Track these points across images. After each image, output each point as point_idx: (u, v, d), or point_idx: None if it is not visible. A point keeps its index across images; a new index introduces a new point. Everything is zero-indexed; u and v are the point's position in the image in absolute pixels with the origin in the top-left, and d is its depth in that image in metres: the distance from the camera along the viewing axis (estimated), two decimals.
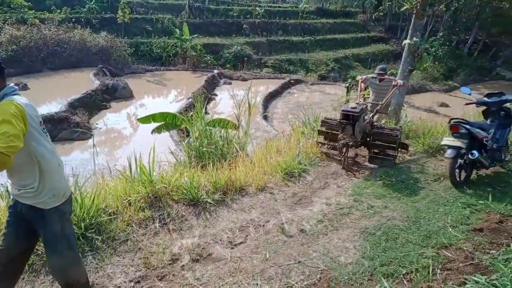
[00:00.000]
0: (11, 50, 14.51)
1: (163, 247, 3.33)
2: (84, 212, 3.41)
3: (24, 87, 12.59)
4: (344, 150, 5.26)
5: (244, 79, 18.47)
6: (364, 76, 6.81)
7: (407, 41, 7.28)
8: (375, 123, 5.93)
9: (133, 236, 3.45)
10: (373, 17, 29.15)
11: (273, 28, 26.65)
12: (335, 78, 20.91)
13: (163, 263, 3.14)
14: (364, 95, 6.97)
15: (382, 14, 26.49)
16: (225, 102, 14.56)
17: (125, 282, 2.92)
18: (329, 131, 5.89)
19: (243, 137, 6.63)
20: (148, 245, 3.37)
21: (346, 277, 3.01)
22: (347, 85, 14.52)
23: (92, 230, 3.38)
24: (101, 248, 3.27)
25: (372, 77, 6.79)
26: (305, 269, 3.12)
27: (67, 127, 9.79)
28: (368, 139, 5.75)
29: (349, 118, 5.05)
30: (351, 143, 5.15)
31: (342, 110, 5.11)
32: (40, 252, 3.08)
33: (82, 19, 19.41)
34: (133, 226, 3.55)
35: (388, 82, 6.53)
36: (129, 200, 3.78)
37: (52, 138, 9.23)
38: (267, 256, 3.27)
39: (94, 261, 3.14)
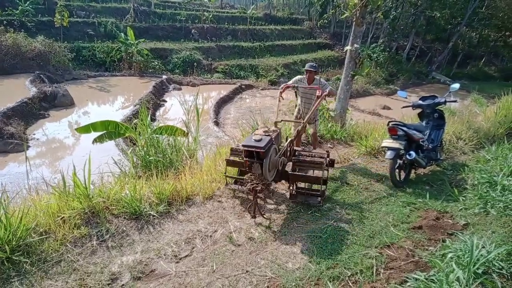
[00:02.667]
0: None
1: (101, 266, 3.10)
2: (10, 233, 3.09)
3: None
4: (252, 196, 3.86)
5: (194, 85, 18.20)
6: (289, 82, 5.87)
7: (348, 47, 7.56)
8: (298, 149, 4.89)
9: (68, 256, 3.17)
10: (319, 24, 30.21)
11: (222, 33, 26.61)
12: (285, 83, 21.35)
13: (101, 284, 2.91)
14: (296, 105, 6.07)
15: (326, 21, 27.55)
16: (175, 108, 14.19)
17: None
18: (240, 161, 4.54)
19: (192, 144, 6.47)
20: (85, 265, 3.12)
21: (293, 284, 3.00)
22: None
23: (20, 253, 3.07)
24: (30, 271, 2.98)
25: (300, 79, 5.80)
26: (253, 279, 3.07)
27: (0, 138, 8.97)
28: (287, 170, 4.47)
29: (253, 155, 3.70)
30: (260, 187, 3.78)
31: (243, 145, 3.72)
32: None
33: (15, 22, 18.01)
34: (67, 245, 3.27)
35: (317, 85, 5.53)
36: (63, 217, 3.49)
37: None
38: (214, 268, 3.17)
39: (21, 287, 2.83)
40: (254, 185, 3.74)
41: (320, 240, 3.67)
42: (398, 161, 5.11)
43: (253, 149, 3.62)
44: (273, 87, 20.02)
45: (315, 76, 5.73)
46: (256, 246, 3.56)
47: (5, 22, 17.22)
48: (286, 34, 30.09)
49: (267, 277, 3.08)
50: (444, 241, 3.54)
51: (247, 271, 3.16)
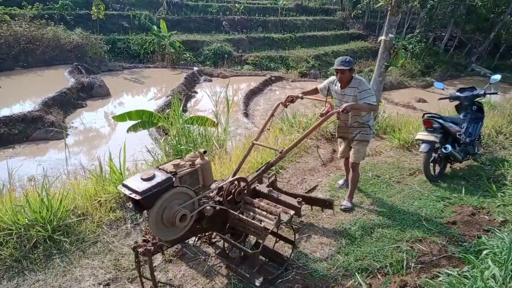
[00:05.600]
0: None
1: None
2: (51, 214, 3.28)
3: None
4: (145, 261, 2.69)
5: (225, 76, 18.31)
6: (321, 85, 4.24)
7: (382, 38, 7.34)
8: (263, 190, 3.20)
9: (103, 238, 3.34)
10: (352, 14, 29.41)
11: (252, 25, 26.53)
12: (316, 75, 21.01)
13: (134, 265, 3.04)
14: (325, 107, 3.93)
15: (360, 11, 26.78)
16: (206, 99, 14.36)
17: (94, 285, 2.82)
18: None
19: (222, 135, 6.57)
20: (119, 246, 3.27)
21: (321, 273, 3.00)
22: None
23: (60, 232, 3.26)
24: (69, 250, 3.16)
25: (332, 81, 4.09)
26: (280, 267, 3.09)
27: (41, 126, 9.46)
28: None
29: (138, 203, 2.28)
30: (151, 248, 2.54)
31: (123, 184, 2.33)
32: (2, 256, 2.95)
33: (55, 16, 18.78)
34: (103, 227, 3.44)
35: (354, 89, 3.81)
36: (100, 200, 3.66)
37: (26, 138, 8.99)
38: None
39: (62, 264, 3.02)
40: (141, 244, 2.57)
41: (349, 232, 3.64)
42: (433, 154, 4.94)
43: (129, 194, 2.23)
44: (303, 79, 19.81)
45: (352, 75, 3.86)
46: (284, 235, 3.57)
47: (46, 16, 18.01)
48: (317, 25, 29.54)
49: (294, 266, 3.10)
50: (479, 237, 3.41)
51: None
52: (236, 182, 2.95)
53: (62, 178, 4.66)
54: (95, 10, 18.59)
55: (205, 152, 2.71)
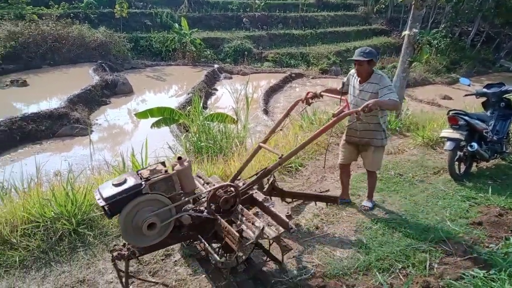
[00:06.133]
0: (10, 46, 14.41)
1: None
2: (75, 208, 3.38)
3: (24, 83, 12.55)
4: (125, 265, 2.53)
5: (245, 74, 18.34)
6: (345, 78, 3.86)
7: (406, 32, 7.16)
8: (258, 198, 2.98)
9: None
10: (374, 9, 28.83)
11: (273, 21, 26.41)
12: (337, 72, 20.73)
13: (156, 259, 3.10)
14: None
15: (383, 6, 26.19)
16: (226, 97, 14.45)
17: (116, 277, 2.88)
18: None
19: (241, 132, 6.59)
20: None
21: (340, 272, 2.97)
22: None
23: (84, 226, 3.35)
24: (93, 243, 3.25)
25: (351, 74, 3.77)
26: (299, 264, 3.08)
27: (67, 123, 9.76)
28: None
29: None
30: (127, 253, 2.46)
31: (98, 188, 2.33)
32: (30, 248, 3.06)
33: (80, 14, 19.26)
34: None
35: (374, 85, 3.50)
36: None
37: (52, 134, 9.30)
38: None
39: (86, 256, 3.11)
40: (117, 248, 2.54)
41: (370, 231, 3.58)
42: (458, 152, 4.79)
43: (97, 199, 2.24)
44: (324, 76, 19.60)
45: (373, 69, 3.55)
46: (303, 233, 3.56)
47: (71, 15, 18.50)
48: (339, 21, 29.08)
49: (313, 264, 3.08)
50: (507, 239, 3.30)
51: (293, 256, 3.18)
52: (221, 189, 2.72)
53: (87, 173, 4.80)
54: (119, 9, 18.96)
55: (179, 158, 2.57)
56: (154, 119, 6.77)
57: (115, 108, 12.32)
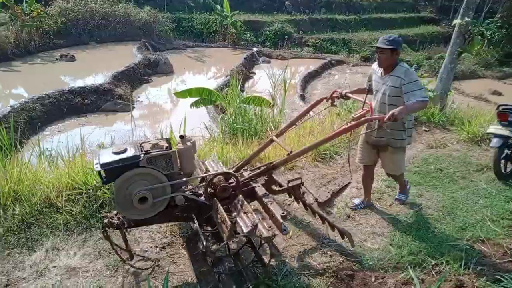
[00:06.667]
0: (61, 22, 15.12)
1: None
2: None
3: (72, 58, 13.16)
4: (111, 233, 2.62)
5: (284, 58, 18.13)
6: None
7: (457, 21, 6.74)
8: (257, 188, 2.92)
9: None
10: None
11: (316, 5, 25.69)
12: None
13: (189, 232, 3.21)
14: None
15: None
16: (263, 80, 14.40)
17: (151, 247, 3.03)
18: None
19: (277, 116, 6.58)
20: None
21: (370, 263, 2.94)
22: None
23: None
24: None
25: (374, 69, 3.39)
26: (329, 251, 3.08)
27: (110, 98, 10.15)
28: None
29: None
30: (116, 221, 2.49)
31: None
32: (74, 213, 3.26)
33: None
34: None
35: (397, 78, 3.07)
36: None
37: (97, 108, 9.73)
38: (291, 234, 3.25)
39: None
40: (109, 216, 2.54)
41: (404, 225, 3.50)
42: (505, 151, 4.51)
43: (95, 164, 2.30)
44: (366, 64, 18.95)
45: (396, 60, 3.14)
46: (334, 221, 3.53)
47: None
48: (385, 7, 27.77)
49: (343, 253, 3.06)
50: None
51: (323, 243, 3.18)
52: (221, 176, 2.69)
53: None
54: None
55: (181, 137, 2.53)
56: (193, 99, 6.89)
57: (155, 87, 12.64)
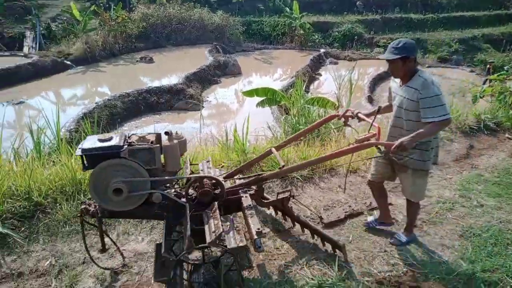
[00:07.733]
0: (142, 26, 16.46)
1: None
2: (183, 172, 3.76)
3: (150, 60, 14.24)
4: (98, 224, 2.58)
5: (352, 59, 17.61)
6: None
7: None
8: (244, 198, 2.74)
9: None
10: None
11: (389, 4, 24.53)
12: (458, 62, 18.44)
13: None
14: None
15: None
16: (328, 82, 14.15)
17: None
18: None
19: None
20: None
21: (437, 276, 2.74)
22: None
23: None
24: None
25: (392, 80, 2.97)
26: (391, 260, 2.93)
27: (182, 98, 10.79)
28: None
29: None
30: (89, 210, 2.47)
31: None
32: None
33: None
34: None
35: (414, 91, 2.61)
36: (223, 165, 4.03)
37: (170, 107, 10.39)
38: (350, 239, 3.16)
39: None
40: (87, 203, 2.52)
41: (479, 239, 3.20)
42: None
43: (77, 148, 2.28)
44: (442, 65, 17.67)
45: (413, 68, 2.66)
46: (399, 228, 3.35)
47: None
48: (466, 4, 25.50)
49: (407, 263, 2.89)
50: None
51: (385, 251, 3.03)
52: (205, 180, 2.54)
53: (194, 143, 5.29)
54: None
55: (166, 133, 2.43)
56: (259, 99, 7.04)
57: (224, 88, 13.11)
